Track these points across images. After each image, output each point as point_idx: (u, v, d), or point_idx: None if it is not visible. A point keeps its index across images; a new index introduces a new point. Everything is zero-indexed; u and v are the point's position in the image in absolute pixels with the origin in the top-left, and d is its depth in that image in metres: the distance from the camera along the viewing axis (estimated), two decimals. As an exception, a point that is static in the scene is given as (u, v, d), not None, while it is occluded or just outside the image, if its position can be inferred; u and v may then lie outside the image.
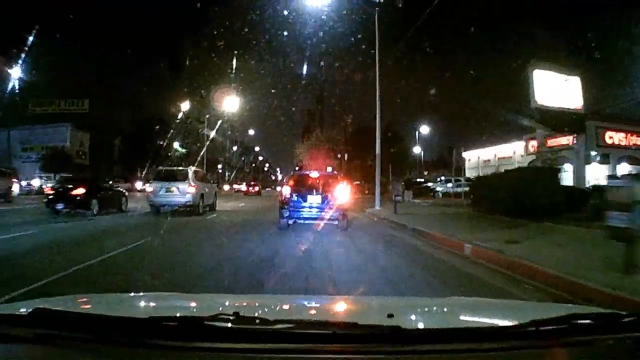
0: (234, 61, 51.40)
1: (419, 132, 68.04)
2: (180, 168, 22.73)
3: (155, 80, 57.18)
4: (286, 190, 14.65)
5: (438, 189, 47.37)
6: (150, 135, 62.78)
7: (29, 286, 5.94)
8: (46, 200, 19.03)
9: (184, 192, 20.02)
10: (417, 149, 71.48)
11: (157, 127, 62.40)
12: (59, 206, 18.43)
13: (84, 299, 2.80)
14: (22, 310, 1.94)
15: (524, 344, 1.71)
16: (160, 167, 24.59)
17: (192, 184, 20.15)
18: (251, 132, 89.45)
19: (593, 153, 37.67)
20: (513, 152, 49.10)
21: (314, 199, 14.22)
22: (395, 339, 1.67)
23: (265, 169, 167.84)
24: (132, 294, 2.99)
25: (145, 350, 1.65)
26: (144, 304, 2.78)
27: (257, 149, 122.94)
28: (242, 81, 55.33)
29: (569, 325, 1.78)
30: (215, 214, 21.24)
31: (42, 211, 18.57)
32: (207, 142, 69.91)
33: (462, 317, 2.56)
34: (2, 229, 12.44)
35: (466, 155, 56.28)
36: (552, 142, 38.35)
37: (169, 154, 61.82)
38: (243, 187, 67.28)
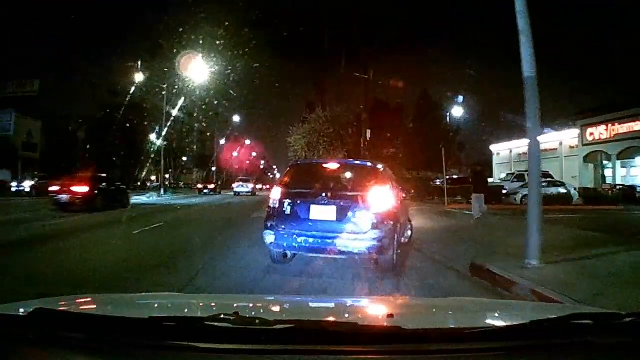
0: (222, 41, 50.12)
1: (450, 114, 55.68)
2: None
3: (127, 61, 55.82)
4: (276, 194, 10.00)
5: (522, 192, 33.31)
6: (121, 125, 61.44)
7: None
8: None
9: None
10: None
11: (130, 115, 61.03)
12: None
13: (84, 299, 3.15)
14: (22, 310, 2.18)
15: (524, 344, 1.93)
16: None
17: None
18: (236, 118, 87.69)
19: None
20: (559, 143, 48.37)
21: (325, 211, 9.46)
22: (395, 339, 1.90)
23: (262, 166, 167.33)
24: (132, 294, 3.40)
25: (145, 351, 1.87)
26: (144, 304, 3.09)
27: (247, 142, 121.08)
28: (232, 64, 53.72)
29: (568, 325, 2.01)
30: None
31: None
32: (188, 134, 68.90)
33: (462, 317, 2.84)
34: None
35: (495, 148, 56.66)
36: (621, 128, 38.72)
37: (145, 148, 60.06)
38: (243, 186, 60.12)
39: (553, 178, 38.15)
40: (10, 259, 10.44)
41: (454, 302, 3.58)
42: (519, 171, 39.43)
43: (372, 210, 9.17)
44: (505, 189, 36.55)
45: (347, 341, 1.90)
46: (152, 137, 64.54)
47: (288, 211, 9.69)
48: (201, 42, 46.19)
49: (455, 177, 44.12)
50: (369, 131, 28.29)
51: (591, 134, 42.17)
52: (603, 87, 59.16)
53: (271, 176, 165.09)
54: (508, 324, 2.21)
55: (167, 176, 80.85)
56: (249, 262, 10.25)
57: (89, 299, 3.24)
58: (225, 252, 11.67)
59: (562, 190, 35.03)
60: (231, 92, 60.76)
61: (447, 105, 49.00)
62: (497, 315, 2.92)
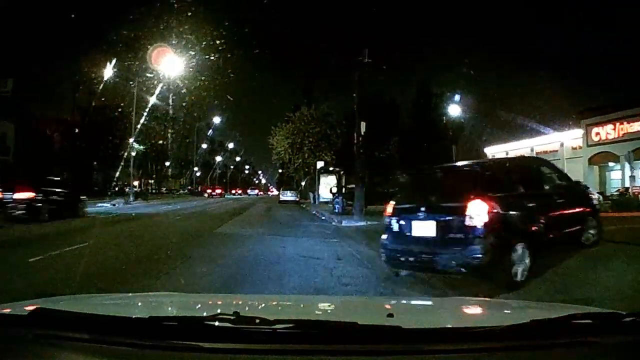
0: (203, 46, 48.42)
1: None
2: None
3: (105, 62, 53.98)
4: (388, 209, 10.31)
5: None
6: (101, 128, 60.83)
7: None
8: None
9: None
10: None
11: (111, 118, 60.43)
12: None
13: (84, 299, 3.34)
14: (22, 310, 2.25)
15: (524, 344, 2.00)
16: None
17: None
18: (216, 119, 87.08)
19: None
20: (560, 144, 46.82)
21: (425, 227, 9.29)
22: (395, 339, 1.98)
23: (247, 171, 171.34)
24: (132, 294, 3.72)
25: (145, 350, 1.95)
26: (144, 304, 3.16)
27: (230, 145, 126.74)
28: (214, 63, 51.95)
29: (569, 325, 2.10)
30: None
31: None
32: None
33: (462, 317, 2.94)
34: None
35: (489, 151, 54.79)
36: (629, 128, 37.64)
37: (122, 154, 58.65)
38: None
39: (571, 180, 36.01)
40: None
41: (454, 302, 3.75)
42: None
43: (472, 223, 8.62)
44: None
45: (347, 341, 1.96)
46: (132, 140, 62.78)
47: (395, 228, 9.92)
48: (182, 41, 44.76)
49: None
50: (363, 124, 25.92)
51: (597, 133, 41.11)
52: (609, 84, 58.38)
53: (256, 181, 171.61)
54: (508, 323, 2.13)
55: (151, 181, 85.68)
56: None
57: (89, 299, 3.35)
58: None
59: None
60: (213, 92, 58.37)
61: (446, 103, 47.17)
62: (497, 315, 2.98)
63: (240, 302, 3.43)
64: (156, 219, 28.64)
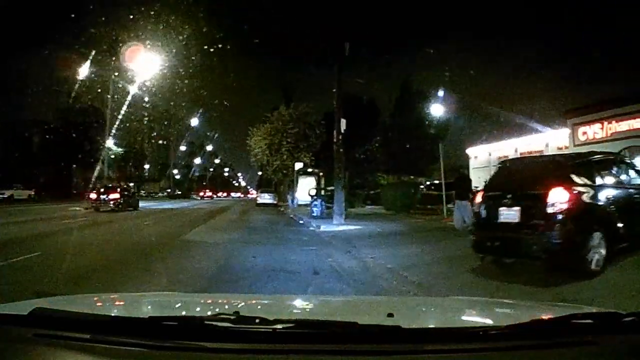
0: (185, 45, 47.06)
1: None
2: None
3: (82, 63, 52.61)
4: (478, 198, 11.54)
5: None
6: (79, 130, 60.39)
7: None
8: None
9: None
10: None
11: (86, 119, 60.43)
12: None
13: (84, 299, 3.38)
14: (22, 310, 2.27)
15: (524, 344, 2.02)
16: None
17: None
18: (194, 121, 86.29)
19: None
20: (545, 144, 44.73)
21: (510, 213, 10.23)
22: (395, 339, 2.02)
23: (226, 173, 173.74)
24: (132, 294, 3.89)
25: (145, 350, 1.97)
26: (144, 304, 3.19)
27: (209, 147, 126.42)
28: (191, 63, 50.52)
29: (569, 325, 2.14)
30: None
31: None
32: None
33: (462, 317, 3.02)
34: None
35: (471, 151, 53.38)
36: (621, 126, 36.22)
37: (100, 156, 57.75)
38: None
39: None
40: None
41: (454, 302, 3.74)
42: None
43: (553, 210, 9.42)
44: None
45: (347, 340, 1.99)
46: (107, 141, 61.85)
47: (483, 215, 10.89)
48: (159, 39, 43.32)
49: (436, 182, 41.20)
50: (343, 121, 24.42)
51: (584, 133, 39.52)
52: (596, 83, 58.02)
53: (236, 184, 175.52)
54: (508, 323, 2.17)
55: (130, 184, 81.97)
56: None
57: (89, 299, 3.37)
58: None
59: None
60: (191, 93, 57.07)
61: (429, 101, 45.96)
62: (497, 315, 3.03)
63: (240, 302, 3.40)
64: (123, 223, 27.66)
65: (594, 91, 45.56)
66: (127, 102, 51.88)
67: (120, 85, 51.10)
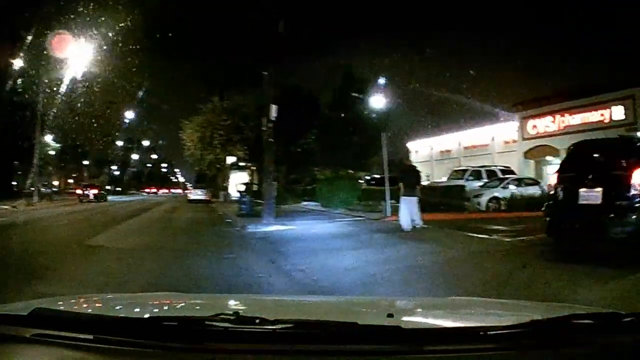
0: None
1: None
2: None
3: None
4: (552, 180, 12.00)
5: (486, 194, 28.77)
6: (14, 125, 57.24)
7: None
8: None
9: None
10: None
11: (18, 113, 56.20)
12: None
13: (84, 299, 3.28)
14: (21, 310, 2.28)
15: (524, 344, 2.03)
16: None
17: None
18: (130, 115, 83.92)
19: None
20: (491, 138, 45.37)
21: (591, 195, 10.50)
22: (395, 339, 2.01)
23: (164, 169, 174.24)
24: (132, 294, 3.92)
25: (145, 350, 1.98)
26: (144, 304, 3.13)
27: (145, 142, 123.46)
28: (126, 54, 47.38)
29: (569, 325, 2.15)
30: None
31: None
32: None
33: (462, 317, 2.99)
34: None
35: (412, 145, 53.91)
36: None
37: (34, 153, 54.27)
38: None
39: (516, 174, 33.82)
40: None
41: (454, 302, 3.75)
42: (473, 167, 34.54)
43: (637, 191, 9.78)
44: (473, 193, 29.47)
45: (347, 341, 2.01)
46: (48, 138, 62.40)
47: (560, 197, 11.20)
48: (89, 30, 40.52)
49: (377, 176, 39.35)
50: (274, 107, 21.49)
51: (534, 126, 40.14)
52: (547, 75, 57.68)
53: (174, 180, 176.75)
54: (508, 323, 2.18)
55: (70, 181, 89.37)
56: None
57: (89, 299, 3.36)
58: None
59: (537, 191, 28.06)
60: (125, 87, 54.02)
61: (371, 91, 43.52)
62: (497, 315, 3.06)
63: (240, 302, 3.48)
64: (38, 224, 26.25)
65: (543, 84, 44.54)
66: (60, 96, 49.75)
67: (50, 79, 47.87)
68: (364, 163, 47.67)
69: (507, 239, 15.53)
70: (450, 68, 67.66)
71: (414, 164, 22.64)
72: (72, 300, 3.23)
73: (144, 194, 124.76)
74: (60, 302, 2.96)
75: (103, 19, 42.20)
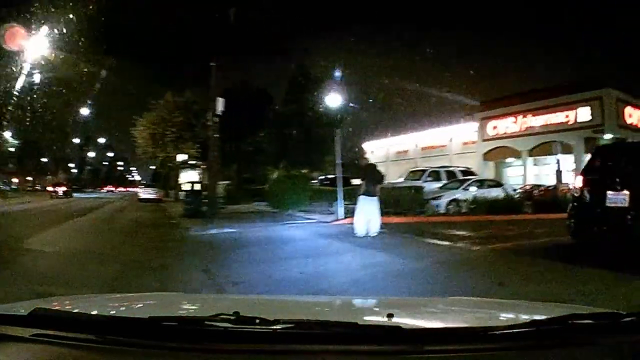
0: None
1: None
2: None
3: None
4: (577, 182, 12.12)
5: (447, 196, 27.39)
6: None
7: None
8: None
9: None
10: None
11: None
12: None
13: (84, 299, 3.31)
14: (21, 310, 2.27)
15: (524, 344, 2.03)
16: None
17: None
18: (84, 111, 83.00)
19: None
20: (449, 139, 44.84)
21: (618, 197, 10.64)
22: (395, 340, 1.99)
23: (121, 167, 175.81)
24: (132, 294, 3.73)
25: (145, 350, 1.97)
26: (144, 304, 3.17)
27: (101, 140, 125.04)
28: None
29: (569, 325, 2.13)
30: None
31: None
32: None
33: (462, 317, 2.99)
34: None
35: (368, 146, 53.33)
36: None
37: None
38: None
39: (476, 175, 32.81)
40: None
41: (454, 302, 3.68)
42: (431, 167, 33.27)
43: None
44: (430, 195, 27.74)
45: (347, 341, 2.00)
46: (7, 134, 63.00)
47: (586, 199, 11.33)
48: (43, 23, 38.39)
49: (331, 176, 37.61)
50: (220, 100, 19.99)
51: (494, 127, 39.47)
52: (510, 76, 57.80)
53: (130, 178, 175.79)
54: (508, 324, 2.17)
55: (29, 178, 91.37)
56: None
57: (89, 299, 3.38)
58: None
59: (500, 193, 27.37)
60: (81, 82, 52.07)
61: (326, 87, 41.95)
62: (497, 315, 3.05)
63: (240, 302, 3.50)
64: None
65: (505, 85, 44.05)
66: (14, 90, 47.18)
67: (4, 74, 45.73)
68: (318, 162, 46.10)
69: (475, 247, 14.47)
70: (410, 67, 67.27)
71: (372, 164, 21.15)
72: (72, 300, 3.22)
73: (103, 192, 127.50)
74: (61, 302, 2.98)
75: (57, 13, 40.77)
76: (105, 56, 47.44)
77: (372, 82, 49.94)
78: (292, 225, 22.74)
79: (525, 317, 2.32)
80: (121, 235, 20.19)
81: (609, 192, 10.64)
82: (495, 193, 27.04)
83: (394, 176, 41.67)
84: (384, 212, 18.12)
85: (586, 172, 12.07)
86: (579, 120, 34.99)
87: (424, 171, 33.14)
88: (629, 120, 38.80)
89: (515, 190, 30.47)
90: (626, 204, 10.39)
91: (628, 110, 38.56)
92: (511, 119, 37.60)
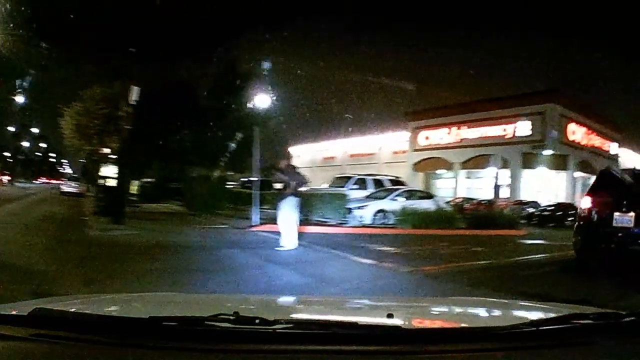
0: None
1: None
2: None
3: None
4: (585, 203, 12.76)
5: (373, 205, 26.06)
6: None
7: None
8: None
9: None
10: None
11: None
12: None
13: (84, 299, 3.29)
14: (21, 310, 2.26)
15: (524, 344, 2.05)
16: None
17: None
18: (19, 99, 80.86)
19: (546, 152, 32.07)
20: (379, 147, 44.71)
21: (625, 218, 11.49)
22: (395, 339, 2.01)
23: (52, 159, 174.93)
24: (132, 294, 3.61)
25: (145, 350, 1.96)
26: (144, 304, 3.18)
27: (35, 130, 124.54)
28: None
29: (569, 325, 2.18)
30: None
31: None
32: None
33: (462, 317, 3.04)
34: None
35: (294, 150, 52.18)
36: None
37: None
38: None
39: (406, 185, 31.91)
40: None
41: (454, 302, 3.80)
42: (358, 175, 32.04)
43: None
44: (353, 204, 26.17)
45: (347, 341, 2.00)
46: None
47: (594, 219, 12.01)
48: None
49: (254, 178, 35.38)
50: (135, 89, 18.30)
51: (427, 137, 39.02)
52: (445, 86, 57.20)
53: (62, 170, 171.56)
54: (508, 323, 2.21)
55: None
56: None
57: (89, 299, 3.34)
58: None
59: (430, 205, 26.36)
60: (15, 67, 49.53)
61: (253, 85, 40.10)
62: (497, 315, 3.12)
63: (240, 302, 3.42)
64: None
65: (439, 95, 43.13)
66: None
67: None
68: (242, 164, 43.87)
69: (406, 269, 12.27)
70: (341, 72, 66.17)
71: (294, 166, 19.41)
72: (72, 300, 3.24)
73: (37, 182, 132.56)
74: (60, 302, 3.00)
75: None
76: (37, 41, 45.36)
77: (302, 84, 48.73)
78: (202, 230, 21.39)
79: (525, 317, 2.37)
80: (19, 232, 18.39)
81: (616, 214, 11.51)
82: (426, 205, 25.95)
83: (320, 182, 41.14)
84: (303, 221, 17.41)
85: (592, 193, 12.78)
86: (517, 134, 35.06)
87: (349, 178, 32.00)
88: (571, 137, 39.19)
89: (447, 202, 29.76)
90: (631, 225, 11.27)
91: (572, 127, 38.97)
92: (445, 130, 37.27)
